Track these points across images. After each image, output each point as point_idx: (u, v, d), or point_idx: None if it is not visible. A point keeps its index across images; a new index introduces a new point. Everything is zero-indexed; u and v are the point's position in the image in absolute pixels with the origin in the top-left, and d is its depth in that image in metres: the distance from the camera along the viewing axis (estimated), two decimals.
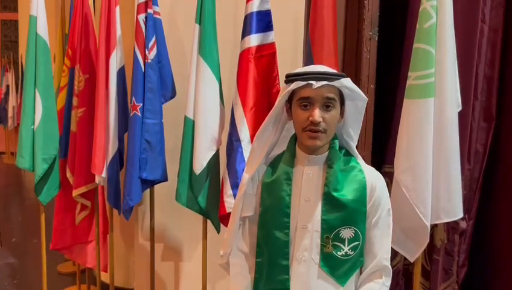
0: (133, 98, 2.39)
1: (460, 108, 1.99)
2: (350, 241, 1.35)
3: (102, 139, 2.53)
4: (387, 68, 2.63)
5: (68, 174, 2.77)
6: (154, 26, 2.40)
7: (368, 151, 2.45)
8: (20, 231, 5.18)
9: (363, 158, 1.46)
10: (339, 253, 1.35)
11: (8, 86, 9.46)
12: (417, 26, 1.93)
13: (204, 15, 2.22)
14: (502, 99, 2.51)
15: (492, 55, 2.49)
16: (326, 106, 1.31)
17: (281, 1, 2.45)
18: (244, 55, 2.17)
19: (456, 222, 2.41)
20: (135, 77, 2.40)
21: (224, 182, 2.17)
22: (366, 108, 1.42)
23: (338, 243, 1.35)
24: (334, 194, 1.34)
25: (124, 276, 3.17)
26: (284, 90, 1.37)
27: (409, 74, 1.95)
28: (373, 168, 1.44)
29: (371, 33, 2.43)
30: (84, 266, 3.15)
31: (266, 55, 2.18)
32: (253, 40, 2.16)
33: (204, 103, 2.23)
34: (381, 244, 1.39)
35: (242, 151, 2.13)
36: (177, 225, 2.79)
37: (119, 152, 2.57)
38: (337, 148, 1.39)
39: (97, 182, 2.60)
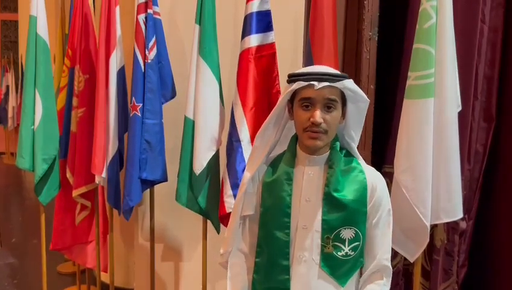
0: (133, 98, 2.39)
1: (460, 108, 1.99)
2: (350, 241, 1.35)
3: (102, 139, 2.53)
4: (387, 68, 2.63)
5: (68, 175, 2.78)
6: (154, 26, 2.40)
7: (368, 152, 2.45)
8: (20, 231, 5.18)
9: (363, 158, 1.45)
10: (339, 253, 1.35)
11: (8, 86, 9.45)
12: (417, 26, 1.93)
13: (204, 15, 2.22)
14: (502, 99, 2.51)
15: (492, 55, 2.49)
16: (328, 107, 1.31)
17: (281, 1, 2.45)
18: (244, 55, 2.17)
19: (456, 222, 2.41)
20: (135, 77, 2.40)
21: (224, 182, 2.17)
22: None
23: (338, 244, 1.35)
24: (335, 194, 1.34)
25: (124, 276, 3.17)
26: (286, 90, 1.37)
27: (409, 74, 1.95)
28: (374, 169, 1.44)
29: (370, 33, 2.43)
30: (84, 266, 3.15)
31: (266, 55, 2.18)
32: (253, 40, 2.16)
33: (204, 103, 2.23)
34: (382, 244, 1.39)
35: (242, 152, 2.12)
36: (177, 225, 2.79)
37: (119, 152, 2.57)
38: (338, 148, 1.39)
39: (97, 182, 2.60)
